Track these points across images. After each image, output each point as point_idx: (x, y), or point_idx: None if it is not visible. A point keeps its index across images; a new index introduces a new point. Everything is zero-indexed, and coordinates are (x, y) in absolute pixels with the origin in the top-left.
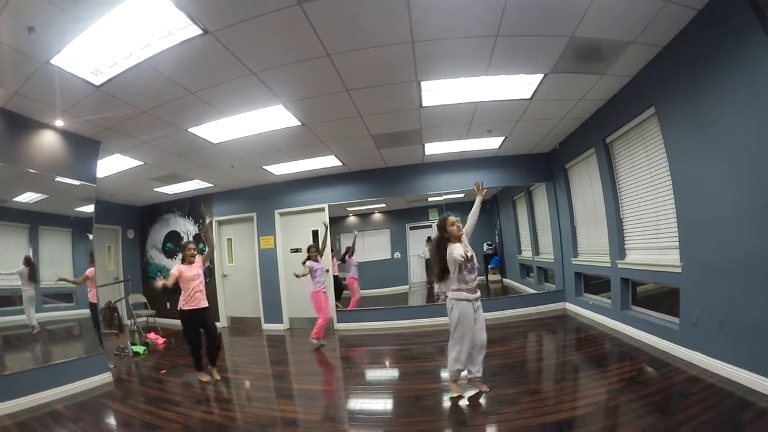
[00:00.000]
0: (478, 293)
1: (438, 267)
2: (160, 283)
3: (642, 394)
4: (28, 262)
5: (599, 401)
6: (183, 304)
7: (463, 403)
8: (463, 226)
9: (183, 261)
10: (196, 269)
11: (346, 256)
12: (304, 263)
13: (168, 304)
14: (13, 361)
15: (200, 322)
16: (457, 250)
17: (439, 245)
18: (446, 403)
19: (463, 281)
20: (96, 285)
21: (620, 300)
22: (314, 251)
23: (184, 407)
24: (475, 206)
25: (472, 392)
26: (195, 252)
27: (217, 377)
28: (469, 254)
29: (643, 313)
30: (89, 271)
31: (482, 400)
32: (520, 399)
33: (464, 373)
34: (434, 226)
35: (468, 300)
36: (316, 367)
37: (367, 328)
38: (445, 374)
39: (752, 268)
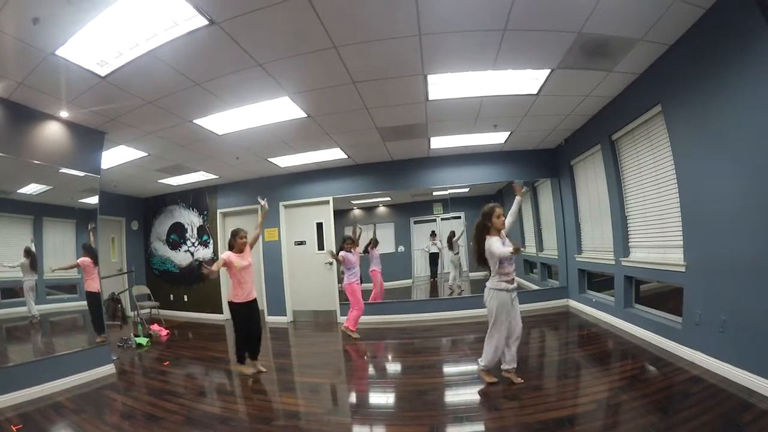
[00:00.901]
0: (516, 284)
1: (477, 255)
2: (206, 270)
3: (643, 393)
4: (28, 253)
5: (601, 399)
6: (234, 296)
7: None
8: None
9: (231, 249)
10: (248, 258)
11: (369, 248)
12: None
13: (171, 295)
14: (16, 353)
15: (250, 314)
16: (497, 246)
17: (479, 234)
18: (458, 396)
19: (503, 273)
20: (99, 275)
21: (623, 298)
22: (350, 243)
23: (187, 399)
24: (514, 206)
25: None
26: (246, 240)
27: (263, 369)
28: (510, 250)
29: (646, 312)
30: (81, 260)
31: (490, 393)
32: (523, 395)
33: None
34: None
35: (507, 290)
36: (319, 360)
37: (371, 321)
38: (447, 369)
39: (756, 269)
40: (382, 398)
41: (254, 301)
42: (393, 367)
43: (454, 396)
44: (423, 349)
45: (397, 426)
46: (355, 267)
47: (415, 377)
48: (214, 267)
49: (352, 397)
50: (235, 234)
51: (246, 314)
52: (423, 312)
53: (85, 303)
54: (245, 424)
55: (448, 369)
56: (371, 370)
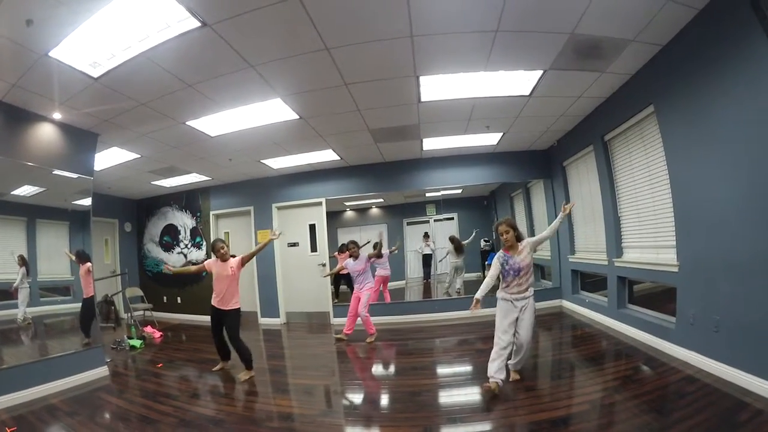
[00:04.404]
0: (525, 296)
1: None
2: (167, 269)
3: (637, 393)
4: (23, 261)
5: (594, 399)
6: (213, 298)
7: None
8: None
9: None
10: (228, 269)
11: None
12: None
13: (165, 297)
14: (9, 355)
15: (220, 321)
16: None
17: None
18: (451, 398)
19: (505, 284)
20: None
21: (617, 298)
22: (353, 248)
23: (181, 401)
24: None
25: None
26: (222, 251)
27: (241, 377)
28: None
29: (639, 312)
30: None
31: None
32: (516, 396)
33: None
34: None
35: (506, 300)
36: (312, 362)
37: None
38: (441, 370)
39: (750, 268)
40: (375, 399)
41: (228, 311)
42: (386, 368)
43: (447, 397)
44: (416, 350)
45: (391, 427)
46: (357, 274)
47: (409, 378)
48: (193, 269)
49: (346, 399)
50: (214, 244)
51: (215, 319)
52: (416, 313)
53: (78, 305)
54: (239, 426)
55: (442, 370)
56: (365, 371)
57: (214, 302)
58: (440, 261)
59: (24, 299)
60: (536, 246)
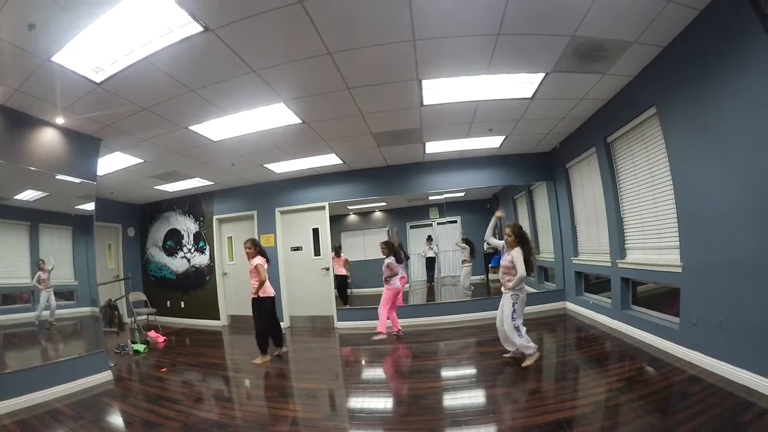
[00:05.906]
0: (504, 287)
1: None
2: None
3: (641, 394)
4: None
5: (599, 401)
6: None
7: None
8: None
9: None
10: (251, 265)
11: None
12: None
13: (168, 302)
14: (13, 360)
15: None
16: None
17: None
18: (456, 400)
19: None
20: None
21: (620, 300)
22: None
23: (184, 405)
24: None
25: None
26: (247, 250)
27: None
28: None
29: (643, 313)
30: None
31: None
32: (520, 398)
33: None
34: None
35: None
36: (314, 366)
37: (367, 326)
38: (445, 373)
39: (753, 269)
40: (379, 403)
41: (253, 299)
42: (391, 371)
43: (452, 400)
44: (421, 353)
45: (395, 431)
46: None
47: (413, 381)
48: None
49: (350, 403)
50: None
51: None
52: (420, 316)
53: (82, 309)
54: (243, 431)
55: (446, 373)
56: (369, 374)
57: None
58: (462, 264)
59: (42, 302)
60: (514, 262)
